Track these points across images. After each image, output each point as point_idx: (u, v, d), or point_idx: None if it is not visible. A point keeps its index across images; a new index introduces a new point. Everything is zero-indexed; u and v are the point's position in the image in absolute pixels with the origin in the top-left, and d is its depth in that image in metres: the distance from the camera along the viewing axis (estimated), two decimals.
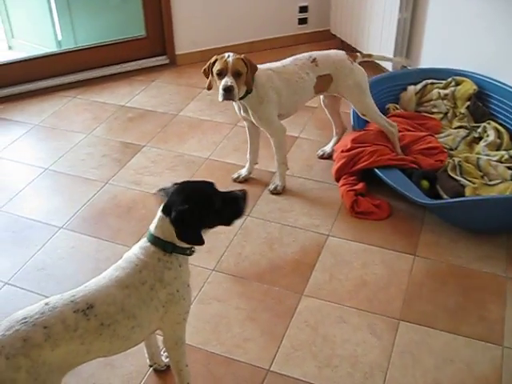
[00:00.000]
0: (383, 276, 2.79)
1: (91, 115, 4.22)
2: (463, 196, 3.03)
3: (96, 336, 1.81)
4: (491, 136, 3.42)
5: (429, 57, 4.25)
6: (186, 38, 4.87)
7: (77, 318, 1.78)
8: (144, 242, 1.96)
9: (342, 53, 3.31)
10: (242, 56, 2.99)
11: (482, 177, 3.18)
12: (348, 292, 2.71)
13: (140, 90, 4.54)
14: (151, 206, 3.23)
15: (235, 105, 3.22)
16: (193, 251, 1.99)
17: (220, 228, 2.82)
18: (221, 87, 2.92)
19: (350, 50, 4.86)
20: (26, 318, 1.76)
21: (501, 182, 3.10)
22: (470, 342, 2.45)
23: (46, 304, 1.81)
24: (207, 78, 3.06)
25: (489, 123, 3.52)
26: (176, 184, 1.95)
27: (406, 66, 4.26)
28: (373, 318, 2.57)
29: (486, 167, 3.20)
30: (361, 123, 3.53)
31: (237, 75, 2.92)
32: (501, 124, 3.52)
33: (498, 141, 3.41)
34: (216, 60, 2.98)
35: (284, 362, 2.38)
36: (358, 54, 3.41)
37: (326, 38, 5.23)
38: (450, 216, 3.07)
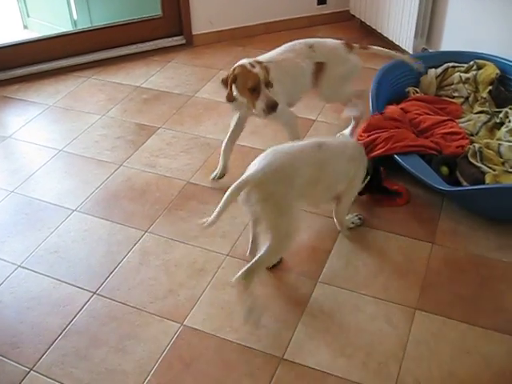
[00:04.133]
0: (400, 264, 2.74)
1: (106, 96, 4.19)
2: (483, 183, 2.96)
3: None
4: None
5: (450, 39, 4.16)
6: (203, 18, 4.81)
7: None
8: None
9: (338, 42, 3.26)
10: (264, 63, 2.86)
11: (503, 163, 3.10)
12: (364, 279, 2.66)
13: (156, 70, 4.49)
14: (165, 189, 3.21)
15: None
16: None
17: (235, 212, 2.83)
18: (263, 105, 2.76)
19: (370, 32, 4.81)
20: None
21: None
22: (487, 334, 2.40)
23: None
24: (227, 88, 2.87)
25: (511, 108, 3.43)
26: None
27: (426, 51, 4.18)
28: (389, 307, 2.53)
29: (507, 154, 3.12)
30: (380, 106, 3.46)
31: (267, 85, 2.80)
32: None
33: None
34: (238, 73, 2.80)
35: (298, 351, 2.35)
36: (356, 44, 3.33)
37: (345, 19, 5.15)
38: (469, 204, 3.01)
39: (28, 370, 2.29)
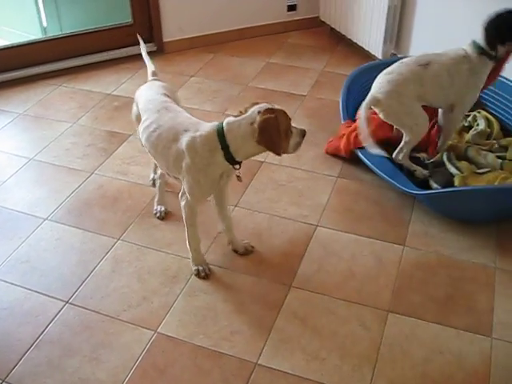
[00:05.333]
0: (372, 267, 2.77)
1: (77, 104, 4.16)
2: (453, 185, 3.00)
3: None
4: (481, 125, 3.39)
5: (419, 44, 4.21)
6: (174, 25, 4.80)
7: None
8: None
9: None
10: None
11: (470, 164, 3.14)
12: (336, 283, 2.68)
13: (127, 78, 4.48)
14: (137, 196, 3.20)
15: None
16: None
17: (207, 217, 2.83)
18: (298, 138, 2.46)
19: (340, 38, 4.85)
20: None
21: (490, 171, 3.06)
22: (459, 334, 2.43)
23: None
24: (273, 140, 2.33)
25: (479, 112, 3.49)
26: None
27: (395, 56, 4.22)
28: (361, 310, 2.55)
29: (474, 156, 3.17)
30: (350, 113, 3.49)
31: None
32: (491, 113, 3.49)
33: (488, 130, 3.37)
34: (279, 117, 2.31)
35: (272, 355, 2.35)
36: None
37: (316, 25, 5.19)
38: (438, 206, 3.04)
39: (0, 381, 2.27)
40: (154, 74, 3.00)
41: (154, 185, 3.20)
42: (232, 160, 2.38)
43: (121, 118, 3.95)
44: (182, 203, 2.57)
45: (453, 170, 3.06)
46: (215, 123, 2.41)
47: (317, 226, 3.00)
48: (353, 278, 2.70)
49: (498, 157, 3.17)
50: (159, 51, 4.83)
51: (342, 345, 2.39)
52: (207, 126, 2.42)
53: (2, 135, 3.83)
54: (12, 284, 2.69)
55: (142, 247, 2.87)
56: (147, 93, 2.81)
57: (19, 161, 3.55)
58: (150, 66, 3.06)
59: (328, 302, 2.59)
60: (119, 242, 2.91)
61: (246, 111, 2.35)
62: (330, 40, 5.02)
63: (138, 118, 2.80)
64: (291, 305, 2.57)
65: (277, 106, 2.34)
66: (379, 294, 2.62)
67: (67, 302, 2.59)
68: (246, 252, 2.83)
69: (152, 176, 3.26)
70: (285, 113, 2.34)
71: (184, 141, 2.40)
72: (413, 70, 3.01)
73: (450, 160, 3.12)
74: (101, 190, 3.27)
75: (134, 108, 2.87)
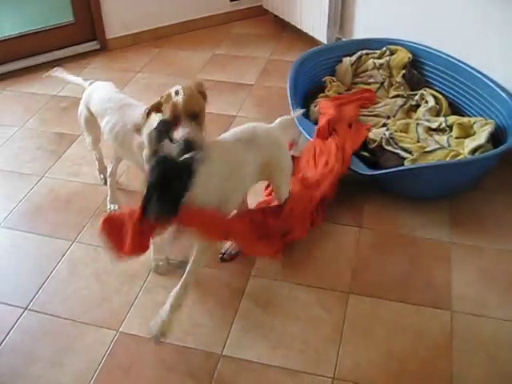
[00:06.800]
0: (330, 250, 2.79)
1: (22, 107, 4.08)
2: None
3: None
4: (430, 102, 3.43)
5: (362, 27, 4.25)
6: (116, 21, 4.74)
7: None
8: None
9: None
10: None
11: (418, 141, 3.18)
12: (295, 269, 2.69)
13: None
14: (91, 197, 3.17)
15: None
16: None
17: None
18: None
19: (284, 25, 4.86)
20: None
21: (439, 149, 3.10)
22: (420, 310, 2.47)
23: None
24: None
25: (425, 90, 3.54)
26: None
27: (340, 40, 4.25)
28: (322, 293, 2.57)
29: (423, 134, 3.21)
30: (298, 98, 3.50)
31: None
32: (437, 91, 3.54)
33: (437, 107, 3.42)
34: None
35: (236, 345, 2.36)
36: None
37: (259, 14, 5.19)
38: (391, 186, 3.08)
39: None
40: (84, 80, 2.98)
41: (105, 183, 3.16)
42: None
43: (69, 119, 3.88)
44: None
45: (401, 152, 3.07)
46: None
47: None
48: (311, 263, 2.72)
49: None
50: (103, 49, 4.77)
51: (304, 329, 2.42)
52: None
53: None
54: None
55: (99, 248, 2.83)
56: (100, 94, 2.78)
57: None
58: (77, 79, 3.10)
59: (288, 288, 2.60)
60: (75, 244, 2.87)
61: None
62: (274, 28, 5.02)
63: (90, 122, 2.77)
64: (252, 294, 2.58)
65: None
66: (339, 276, 2.65)
67: (26, 309, 2.55)
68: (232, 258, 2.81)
69: (102, 176, 3.23)
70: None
71: None
72: None
73: (393, 144, 3.12)
74: (53, 193, 3.22)
75: (84, 111, 2.84)
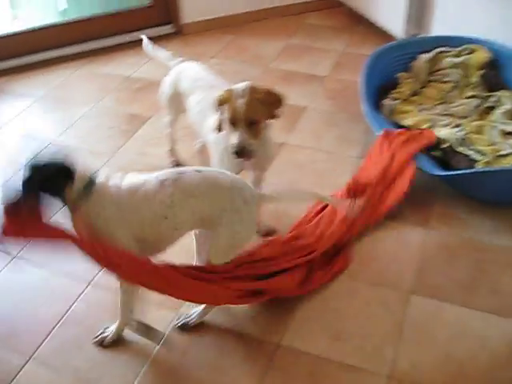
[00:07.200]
0: (395, 249, 2.76)
1: (97, 86, 4.17)
2: None
3: None
4: (507, 104, 3.33)
5: (441, 24, 4.15)
6: (192, 6, 4.78)
7: None
8: None
9: None
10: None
11: (492, 144, 3.10)
12: (359, 264, 2.67)
13: (146, 60, 4.45)
14: None
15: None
16: None
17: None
18: None
19: (359, 18, 4.80)
20: None
21: None
22: (483, 316, 2.42)
23: None
24: None
25: (503, 93, 3.44)
26: None
27: (417, 36, 4.17)
28: (384, 291, 2.54)
29: (498, 137, 3.13)
30: (370, 93, 3.47)
31: None
32: None
33: None
34: None
35: (294, 336, 2.36)
36: None
37: (334, 6, 5.14)
38: (462, 188, 3.02)
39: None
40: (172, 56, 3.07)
41: (175, 166, 3.21)
42: None
43: (141, 100, 3.95)
44: None
45: (473, 154, 3.00)
46: None
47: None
48: (376, 260, 2.70)
49: None
50: (177, 33, 4.82)
51: (364, 326, 2.40)
52: None
53: (23, 118, 3.85)
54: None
55: None
56: (190, 73, 2.87)
57: (41, 144, 3.55)
58: (165, 55, 3.17)
59: (351, 282, 2.59)
60: None
61: None
62: (349, 20, 4.97)
63: (174, 100, 2.87)
64: None
65: None
66: (402, 275, 2.62)
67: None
68: (268, 233, 2.82)
69: (172, 159, 3.30)
70: None
71: None
72: None
73: (465, 146, 3.05)
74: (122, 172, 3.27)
75: (170, 89, 2.92)
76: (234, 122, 2.35)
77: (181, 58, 3.05)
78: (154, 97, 3.95)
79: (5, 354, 2.33)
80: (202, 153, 3.08)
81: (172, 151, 3.29)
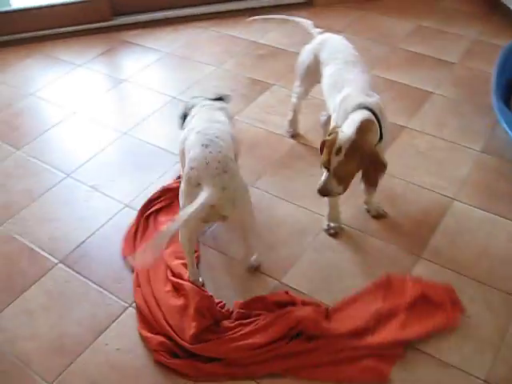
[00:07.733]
0: (507, 250, 2.64)
1: (222, 48, 4.21)
2: None
3: None
4: None
5: None
6: None
7: None
8: None
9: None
10: None
11: None
12: (467, 261, 2.58)
13: (273, 27, 4.45)
14: (274, 146, 3.21)
15: None
16: None
17: None
18: None
19: (496, 5, 4.56)
20: None
21: None
22: None
23: None
24: None
25: None
26: None
27: None
28: (490, 292, 2.44)
29: None
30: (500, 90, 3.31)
31: None
32: None
33: None
34: None
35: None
36: None
37: None
38: None
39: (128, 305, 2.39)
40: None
41: (292, 137, 3.21)
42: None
43: (264, 67, 3.96)
44: None
45: None
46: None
47: (453, 199, 2.88)
48: (485, 259, 2.59)
49: None
50: (308, 4, 4.76)
51: (465, 324, 2.32)
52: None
53: (148, 72, 3.95)
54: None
55: (274, 197, 2.89)
56: (334, 43, 2.86)
57: (162, 98, 3.65)
58: (308, 23, 3.16)
59: (456, 278, 2.50)
60: (253, 188, 2.92)
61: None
62: (485, 7, 4.73)
63: (311, 70, 2.89)
64: (418, 276, 2.50)
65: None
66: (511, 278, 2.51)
67: None
68: (378, 215, 2.78)
69: (291, 129, 3.28)
70: None
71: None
72: None
73: None
74: (238, 136, 3.29)
75: (310, 58, 2.92)
76: (326, 167, 2.33)
77: (323, 30, 3.01)
78: (277, 65, 3.97)
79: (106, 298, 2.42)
80: (326, 125, 3.05)
81: (292, 122, 3.28)
